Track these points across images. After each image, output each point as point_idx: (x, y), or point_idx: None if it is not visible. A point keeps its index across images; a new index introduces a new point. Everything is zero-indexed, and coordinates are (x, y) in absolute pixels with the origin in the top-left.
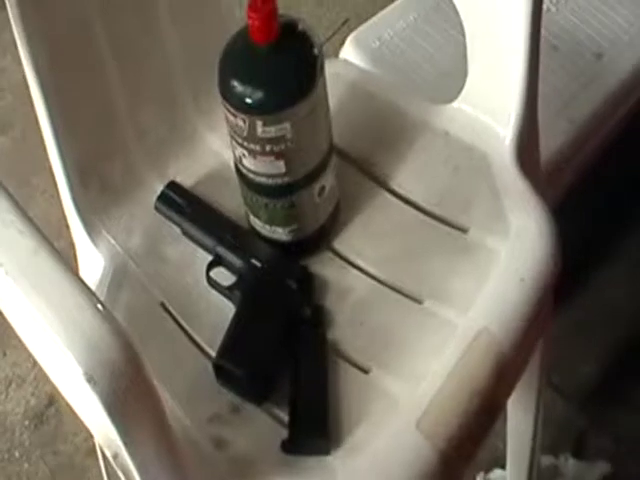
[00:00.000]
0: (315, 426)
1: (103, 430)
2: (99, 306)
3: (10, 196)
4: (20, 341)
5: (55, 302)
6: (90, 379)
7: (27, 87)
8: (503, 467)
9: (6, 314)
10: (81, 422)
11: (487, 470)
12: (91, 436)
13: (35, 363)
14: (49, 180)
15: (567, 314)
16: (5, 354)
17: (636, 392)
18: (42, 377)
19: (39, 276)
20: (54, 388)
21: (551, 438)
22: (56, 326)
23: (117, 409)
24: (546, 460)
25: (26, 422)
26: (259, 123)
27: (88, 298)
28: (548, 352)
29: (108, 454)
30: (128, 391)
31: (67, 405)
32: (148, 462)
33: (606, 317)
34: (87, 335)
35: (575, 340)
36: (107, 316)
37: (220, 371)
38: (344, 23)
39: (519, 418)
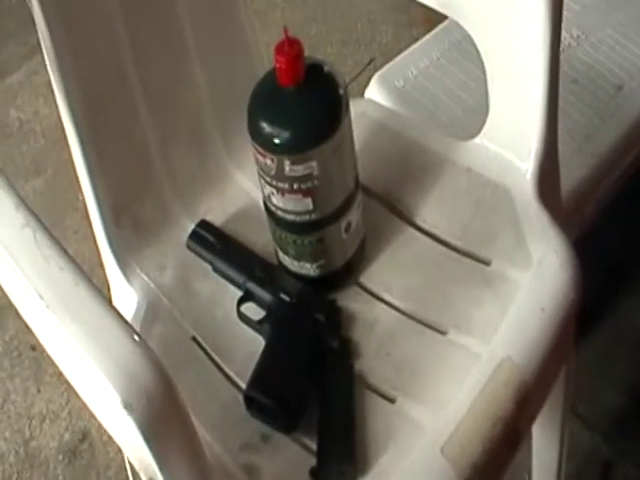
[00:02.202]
0: (343, 453)
1: (139, 455)
2: (135, 337)
3: (49, 233)
4: (53, 378)
5: (94, 333)
6: (127, 406)
7: (59, 130)
8: None
9: (46, 346)
10: (113, 456)
11: None
12: (123, 469)
13: (69, 399)
14: (81, 220)
15: (592, 344)
16: (39, 391)
17: None
18: (75, 413)
19: (79, 309)
20: (87, 423)
21: (577, 468)
22: (95, 356)
23: (153, 434)
24: None
25: (60, 456)
26: (287, 162)
27: (125, 329)
28: (571, 381)
29: (144, 479)
30: (163, 417)
31: (100, 440)
32: None
33: (631, 347)
34: (124, 364)
35: (600, 370)
36: (143, 346)
37: (251, 401)
38: (370, 62)
39: (544, 448)
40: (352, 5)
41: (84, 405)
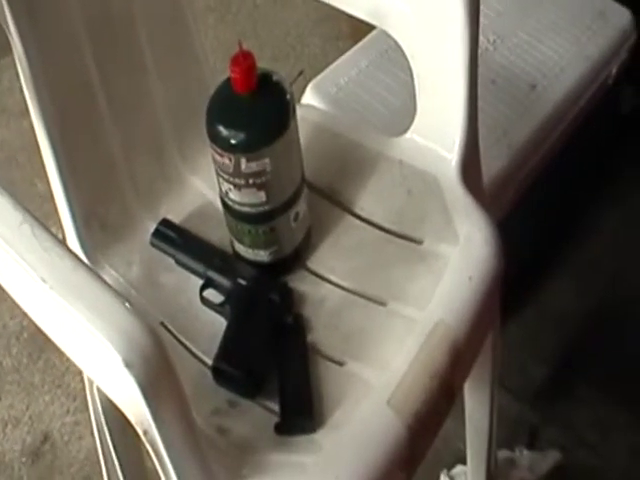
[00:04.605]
0: (301, 409)
1: (136, 410)
2: (127, 305)
3: (45, 227)
4: (13, 385)
5: (95, 306)
6: (127, 364)
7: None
8: (464, 463)
9: (46, 325)
10: (75, 455)
11: (450, 468)
12: (85, 466)
13: (29, 405)
14: None
15: (517, 323)
16: (0, 399)
17: (581, 388)
18: (36, 417)
19: (79, 287)
20: (48, 426)
21: (506, 434)
22: (98, 324)
23: (149, 389)
24: (503, 454)
25: (23, 459)
26: (243, 160)
27: (120, 300)
28: (498, 347)
29: (139, 431)
30: (157, 373)
31: (61, 440)
32: (173, 437)
33: (552, 324)
34: (123, 329)
35: (524, 346)
36: (136, 314)
37: (218, 373)
38: (300, 74)
39: (476, 417)
40: (281, 21)
41: (44, 409)
